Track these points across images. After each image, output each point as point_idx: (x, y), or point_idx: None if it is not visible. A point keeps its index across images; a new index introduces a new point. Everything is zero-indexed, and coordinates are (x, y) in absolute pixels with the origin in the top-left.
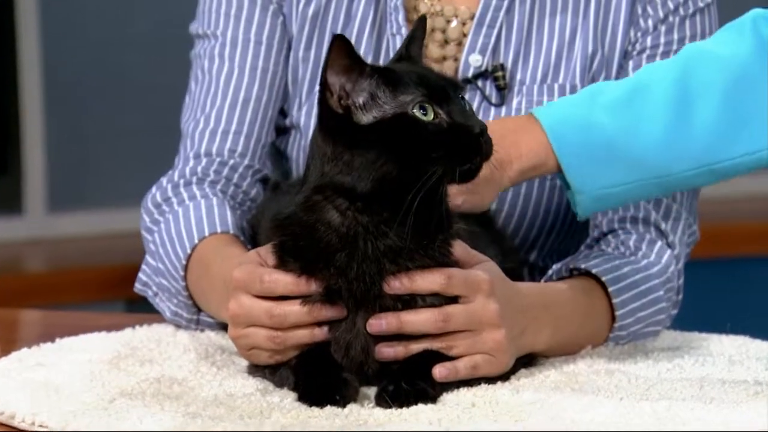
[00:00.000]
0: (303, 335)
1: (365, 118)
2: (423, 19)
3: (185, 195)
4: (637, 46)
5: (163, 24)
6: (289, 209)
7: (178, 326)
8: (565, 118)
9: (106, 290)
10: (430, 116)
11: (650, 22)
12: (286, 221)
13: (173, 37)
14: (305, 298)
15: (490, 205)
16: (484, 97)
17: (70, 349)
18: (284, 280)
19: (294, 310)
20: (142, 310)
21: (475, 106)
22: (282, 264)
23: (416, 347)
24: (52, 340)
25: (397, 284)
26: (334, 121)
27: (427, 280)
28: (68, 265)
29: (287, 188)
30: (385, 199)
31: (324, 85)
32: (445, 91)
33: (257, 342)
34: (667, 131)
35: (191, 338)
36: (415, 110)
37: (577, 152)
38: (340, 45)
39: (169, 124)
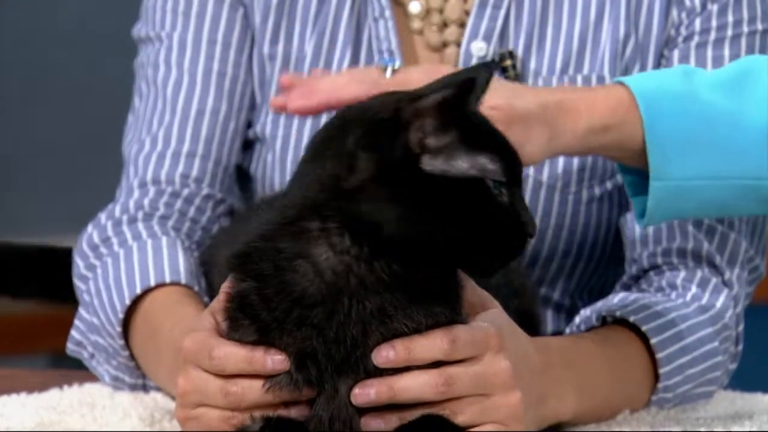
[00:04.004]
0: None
1: (430, 165)
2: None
3: (128, 234)
4: (683, 31)
5: (97, 16)
6: (262, 230)
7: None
8: (660, 85)
9: (26, 341)
10: (496, 192)
11: (697, 0)
12: (254, 254)
13: (110, 31)
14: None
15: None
16: None
17: None
18: (236, 356)
19: (253, 387)
20: (71, 365)
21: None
22: (234, 327)
23: (412, 416)
24: None
25: (390, 356)
26: (401, 152)
27: (427, 348)
28: None
29: (249, 213)
30: (399, 256)
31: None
32: (519, 170)
33: (210, 425)
34: None
35: (133, 401)
36: (489, 180)
37: (670, 125)
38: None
39: (104, 136)
